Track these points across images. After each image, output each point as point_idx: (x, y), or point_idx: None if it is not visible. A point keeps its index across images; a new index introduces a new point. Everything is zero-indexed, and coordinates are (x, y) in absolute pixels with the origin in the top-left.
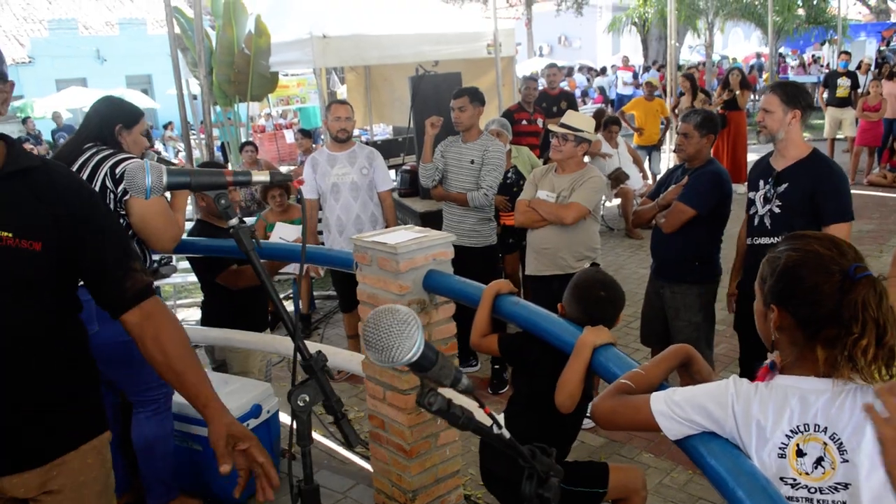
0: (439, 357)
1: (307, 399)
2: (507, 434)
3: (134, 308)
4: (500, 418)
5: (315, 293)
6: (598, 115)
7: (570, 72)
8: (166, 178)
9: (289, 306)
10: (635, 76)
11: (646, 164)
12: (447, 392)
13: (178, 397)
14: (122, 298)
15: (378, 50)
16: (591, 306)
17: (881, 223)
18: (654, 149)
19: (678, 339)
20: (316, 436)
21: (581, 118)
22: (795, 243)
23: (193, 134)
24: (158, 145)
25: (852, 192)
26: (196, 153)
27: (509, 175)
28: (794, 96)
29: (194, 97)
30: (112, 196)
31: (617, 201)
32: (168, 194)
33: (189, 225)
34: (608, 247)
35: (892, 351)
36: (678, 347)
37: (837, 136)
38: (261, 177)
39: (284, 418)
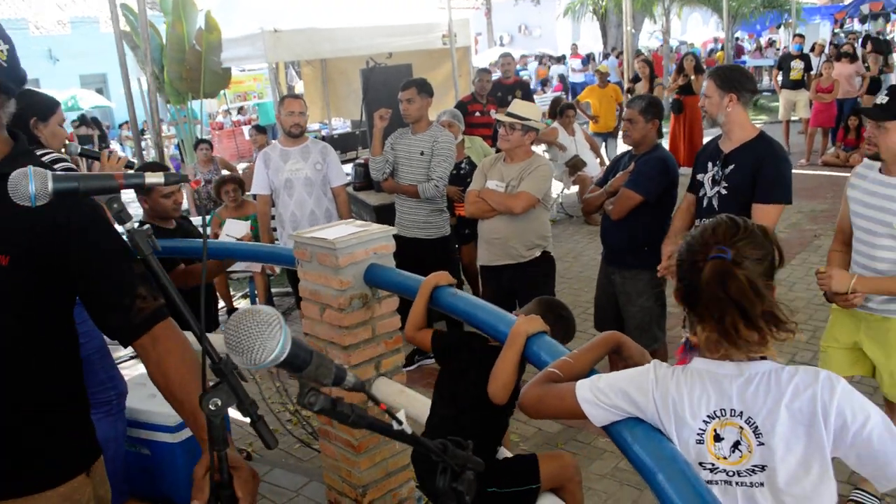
0: (314, 356)
1: (219, 403)
2: (408, 430)
3: (143, 336)
4: (402, 415)
5: (273, 290)
6: (554, 102)
7: (559, 59)
8: (52, 185)
9: (246, 304)
10: (585, 63)
11: (603, 151)
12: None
13: (129, 401)
14: (129, 327)
15: (331, 43)
16: (557, 319)
17: (835, 202)
18: (609, 135)
19: (630, 324)
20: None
21: (528, 107)
22: (701, 224)
23: (147, 136)
24: (115, 145)
25: (809, 172)
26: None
27: (463, 166)
28: (730, 80)
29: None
30: None
31: (575, 188)
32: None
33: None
34: (567, 234)
35: (770, 314)
36: (607, 335)
37: (792, 118)
38: (154, 178)
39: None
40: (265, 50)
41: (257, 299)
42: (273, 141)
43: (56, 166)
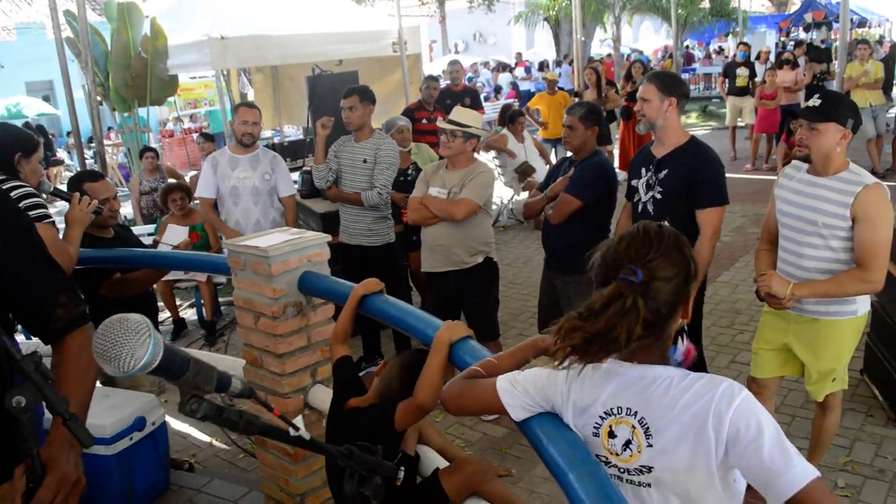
0: (192, 364)
1: (22, 401)
2: (306, 435)
3: (58, 343)
4: (299, 420)
5: (221, 299)
6: (504, 109)
7: (503, 67)
8: None
9: (193, 313)
10: (528, 71)
11: (552, 157)
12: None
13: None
14: (48, 332)
15: (280, 50)
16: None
17: None
18: (559, 142)
19: None
20: (217, 444)
21: (469, 114)
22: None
23: (93, 145)
24: (62, 153)
25: (753, 177)
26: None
27: (409, 172)
28: (670, 85)
29: (100, 103)
30: None
31: (525, 194)
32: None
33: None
34: (517, 239)
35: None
36: (535, 339)
37: (738, 124)
38: None
39: (193, 430)
40: (212, 57)
41: (203, 309)
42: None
43: (24, 202)
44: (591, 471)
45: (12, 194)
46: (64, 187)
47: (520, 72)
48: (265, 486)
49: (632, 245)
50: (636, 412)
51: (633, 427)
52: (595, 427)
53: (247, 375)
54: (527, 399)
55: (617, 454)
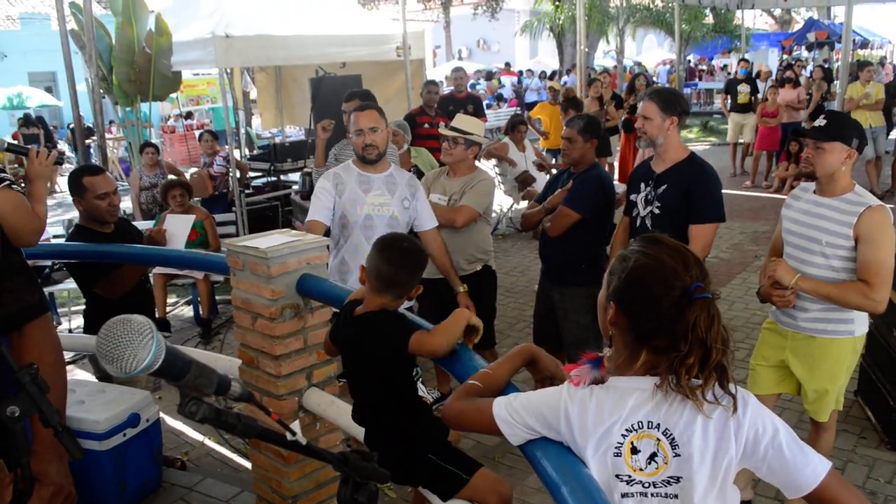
0: (193, 366)
1: (17, 411)
2: (302, 440)
3: (12, 332)
4: (296, 426)
5: (217, 297)
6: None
7: (488, 75)
8: None
9: (189, 311)
10: (519, 81)
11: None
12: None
13: None
14: None
15: (283, 50)
16: (393, 253)
17: (777, 224)
18: (559, 152)
19: (567, 340)
20: (209, 443)
21: (471, 121)
22: (647, 248)
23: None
24: (63, 145)
25: (752, 194)
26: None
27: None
28: (671, 103)
29: (103, 96)
30: None
31: (525, 203)
32: (21, 184)
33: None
34: (515, 249)
35: (722, 367)
36: (522, 348)
37: (740, 141)
38: None
39: (187, 428)
40: (216, 55)
41: (200, 307)
42: (224, 147)
43: None
44: (583, 485)
45: None
46: (64, 181)
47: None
48: (257, 487)
49: (688, 263)
50: (658, 424)
51: (658, 439)
52: (617, 447)
53: (242, 376)
54: (523, 426)
55: (641, 469)
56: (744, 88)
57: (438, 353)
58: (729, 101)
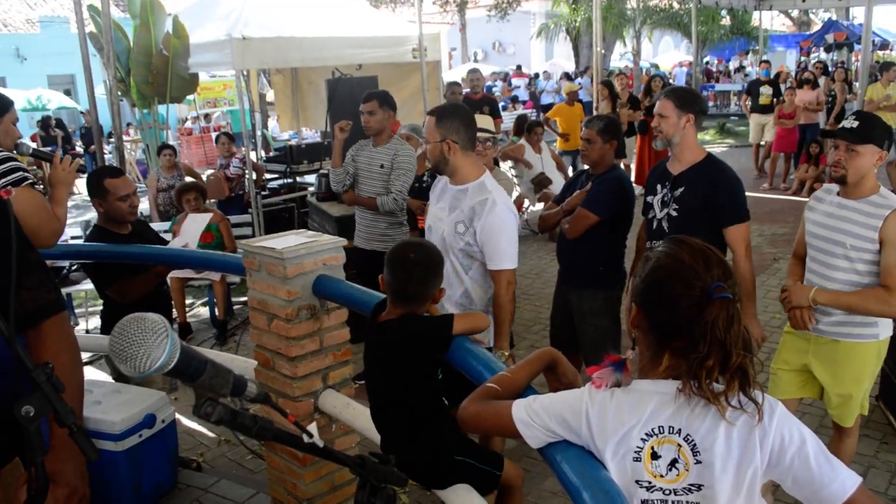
0: (209, 366)
1: (31, 411)
2: (319, 443)
3: (29, 330)
4: (313, 428)
5: (234, 298)
6: (520, 119)
7: (506, 77)
8: None
9: (205, 312)
10: (529, 83)
11: (570, 170)
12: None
13: None
14: (11, 317)
15: (300, 52)
16: (398, 268)
17: (795, 226)
18: (577, 153)
19: (585, 343)
20: (225, 444)
21: (485, 119)
22: (669, 247)
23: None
24: (80, 149)
25: (770, 196)
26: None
27: (425, 179)
28: (688, 101)
29: (121, 99)
30: None
31: (541, 205)
32: (40, 186)
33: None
34: (531, 250)
35: (744, 371)
36: (543, 351)
37: (762, 142)
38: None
39: (202, 429)
40: (233, 57)
41: (216, 308)
42: (241, 149)
43: (2, 165)
44: (605, 489)
45: None
46: (82, 182)
47: (521, 83)
48: (272, 489)
49: (710, 263)
50: (679, 430)
51: (679, 445)
52: (637, 451)
53: (258, 377)
54: (544, 429)
55: (661, 476)
56: (766, 90)
57: (480, 326)
58: (749, 101)
